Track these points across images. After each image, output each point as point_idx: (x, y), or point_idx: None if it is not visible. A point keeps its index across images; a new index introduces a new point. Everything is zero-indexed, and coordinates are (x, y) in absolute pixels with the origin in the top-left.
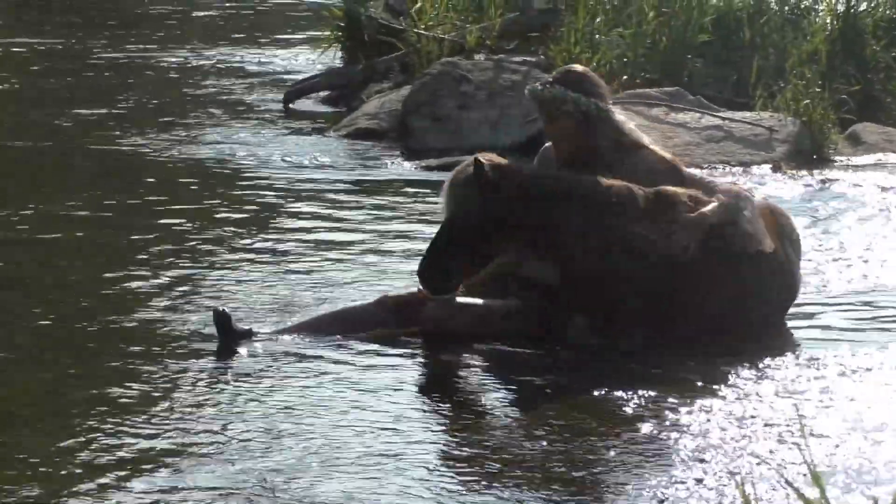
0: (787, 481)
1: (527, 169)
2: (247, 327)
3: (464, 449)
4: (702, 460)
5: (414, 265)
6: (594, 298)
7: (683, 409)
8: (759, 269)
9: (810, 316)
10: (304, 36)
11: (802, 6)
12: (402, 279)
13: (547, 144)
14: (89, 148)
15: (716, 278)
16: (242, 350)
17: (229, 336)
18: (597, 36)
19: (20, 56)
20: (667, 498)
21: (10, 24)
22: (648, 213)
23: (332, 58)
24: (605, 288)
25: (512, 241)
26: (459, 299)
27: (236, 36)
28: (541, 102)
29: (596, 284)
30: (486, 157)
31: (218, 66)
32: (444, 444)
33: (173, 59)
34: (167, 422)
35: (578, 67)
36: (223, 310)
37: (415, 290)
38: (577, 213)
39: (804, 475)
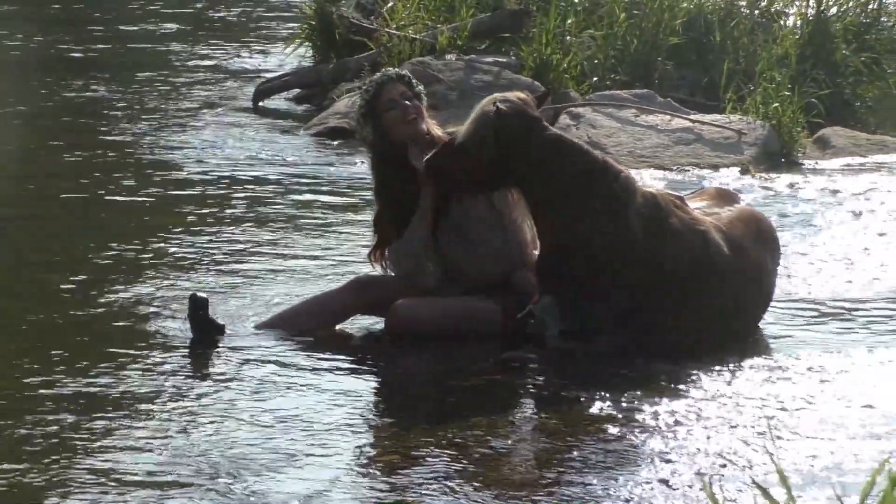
0: (753, 482)
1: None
2: (221, 322)
3: (427, 448)
4: (668, 461)
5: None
6: (576, 289)
7: (650, 410)
8: (742, 282)
9: (779, 319)
10: (276, 34)
11: (773, 10)
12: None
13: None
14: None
15: (701, 290)
16: (212, 344)
17: (203, 324)
18: (568, 37)
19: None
20: (633, 498)
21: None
22: (641, 211)
23: (303, 56)
24: (588, 281)
25: (505, 181)
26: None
27: (207, 33)
28: (411, 79)
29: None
30: (504, 98)
31: (189, 62)
32: (403, 444)
33: (148, 55)
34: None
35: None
36: (201, 295)
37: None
38: (579, 179)
39: (771, 475)
